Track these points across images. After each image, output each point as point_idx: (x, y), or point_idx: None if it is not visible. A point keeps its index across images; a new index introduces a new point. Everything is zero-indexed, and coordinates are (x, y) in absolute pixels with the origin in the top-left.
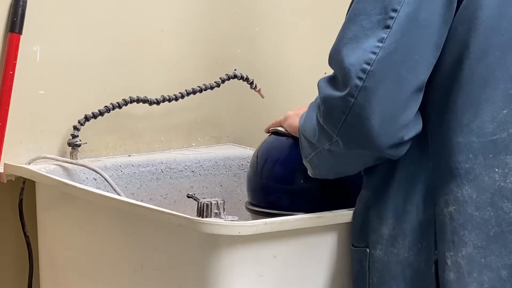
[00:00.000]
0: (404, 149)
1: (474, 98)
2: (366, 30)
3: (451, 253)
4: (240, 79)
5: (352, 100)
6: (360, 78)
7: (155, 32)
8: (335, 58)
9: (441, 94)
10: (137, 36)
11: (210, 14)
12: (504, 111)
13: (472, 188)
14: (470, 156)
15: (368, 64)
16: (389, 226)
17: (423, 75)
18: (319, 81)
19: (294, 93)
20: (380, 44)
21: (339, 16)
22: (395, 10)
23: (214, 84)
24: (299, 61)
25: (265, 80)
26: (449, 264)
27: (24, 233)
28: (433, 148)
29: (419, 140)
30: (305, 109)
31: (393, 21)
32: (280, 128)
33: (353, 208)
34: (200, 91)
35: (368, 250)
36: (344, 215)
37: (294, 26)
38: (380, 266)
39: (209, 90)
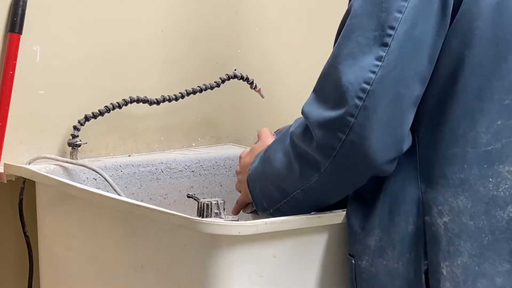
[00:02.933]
0: (394, 164)
1: (469, 109)
2: (362, 46)
3: (447, 263)
4: (240, 79)
5: (352, 119)
6: (359, 98)
7: (155, 32)
8: (330, 75)
9: (433, 105)
10: (137, 36)
11: (210, 14)
12: (499, 122)
13: (467, 198)
14: (465, 166)
15: (368, 83)
16: (375, 237)
17: (419, 90)
18: (303, 108)
19: (293, 93)
20: (379, 63)
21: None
22: (392, 28)
23: (214, 84)
24: (299, 61)
25: (265, 80)
26: (445, 274)
27: (24, 233)
28: (423, 159)
29: (408, 152)
30: (246, 168)
31: (391, 39)
32: (247, 210)
33: None
34: (200, 91)
35: (353, 261)
36: (344, 215)
37: (294, 26)
38: (368, 277)
39: (209, 90)
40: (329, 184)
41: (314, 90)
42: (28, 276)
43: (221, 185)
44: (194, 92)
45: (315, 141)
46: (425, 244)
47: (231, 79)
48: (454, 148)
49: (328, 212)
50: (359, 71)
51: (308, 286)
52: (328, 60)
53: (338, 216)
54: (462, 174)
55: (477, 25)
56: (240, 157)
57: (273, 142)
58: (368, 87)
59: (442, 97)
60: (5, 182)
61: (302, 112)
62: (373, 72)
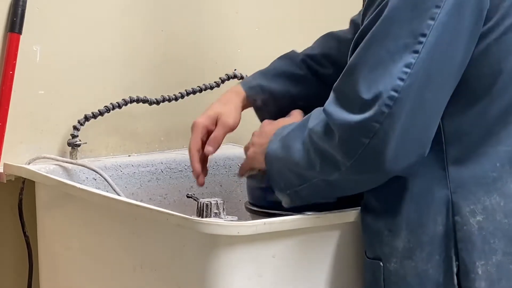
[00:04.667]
0: (416, 167)
1: (504, 110)
2: (393, 54)
3: (482, 262)
4: (240, 79)
5: (378, 125)
6: (387, 106)
7: (155, 32)
8: (356, 79)
9: (464, 105)
10: (137, 36)
11: (210, 14)
12: None
13: (500, 196)
14: (497, 165)
15: (396, 91)
16: (403, 239)
17: (446, 96)
18: (325, 107)
19: None
20: (408, 70)
21: (339, 16)
22: (424, 35)
23: (214, 84)
24: None
25: None
26: (480, 273)
27: (24, 233)
28: (451, 158)
29: (432, 151)
30: (260, 139)
31: (421, 46)
32: (252, 172)
33: (353, 209)
34: (200, 91)
35: (381, 263)
36: (343, 215)
37: (294, 26)
38: (396, 279)
39: (209, 90)
40: (349, 181)
41: (336, 91)
42: (28, 276)
43: (221, 185)
44: (194, 92)
45: (337, 141)
46: (455, 244)
47: (231, 79)
48: (486, 147)
49: (327, 212)
50: (389, 79)
51: (308, 286)
52: (353, 62)
53: (337, 216)
54: (495, 172)
55: None
56: (263, 125)
57: (294, 128)
58: (396, 95)
59: (476, 98)
60: (5, 182)
61: (325, 111)
62: (402, 80)
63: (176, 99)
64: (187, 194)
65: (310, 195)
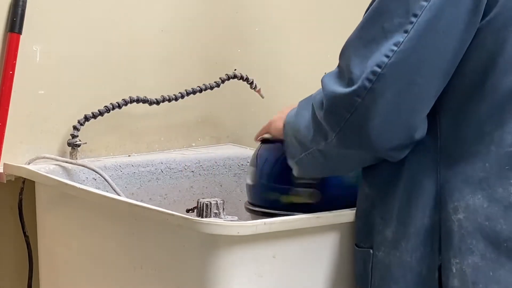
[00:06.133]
0: (405, 152)
1: (498, 108)
2: (386, 32)
3: (457, 260)
4: (240, 79)
5: (359, 100)
6: (369, 80)
7: (155, 32)
8: (350, 54)
9: (461, 101)
10: (137, 36)
11: (210, 14)
12: None
13: (484, 197)
14: (487, 165)
15: (380, 67)
16: (393, 229)
17: (438, 81)
18: (323, 77)
19: (293, 93)
20: (395, 48)
21: (339, 16)
22: (415, 15)
23: (214, 84)
24: (299, 61)
25: (265, 80)
26: (454, 271)
27: (24, 233)
28: (444, 152)
29: (427, 144)
30: (289, 110)
31: (412, 26)
32: (267, 135)
33: (353, 209)
34: (200, 91)
35: (371, 251)
36: (343, 215)
37: (294, 26)
38: (382, 268)
39: (209, 90)
40: (336, 154)
41: (338, 65)
42: (28, 276)
43: (221, 185)
44: (194, 92)
45: (323, 112)
46: (440, 239)
47: (231, 79)
48: (478, 145)
49: (327, 212)
50: (377, 55)
51: (308, 286)
52: (350, 38)
53: (337, 217)
54: (482, 172)
55: None
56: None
57: (309, 97)
58: (379, 70)
59: (471, 93)
60: (5, 182)
61: (321, 81)
62: (387, 57)
63: (176, 99)
64: (187, 209)
65: (311, 165)
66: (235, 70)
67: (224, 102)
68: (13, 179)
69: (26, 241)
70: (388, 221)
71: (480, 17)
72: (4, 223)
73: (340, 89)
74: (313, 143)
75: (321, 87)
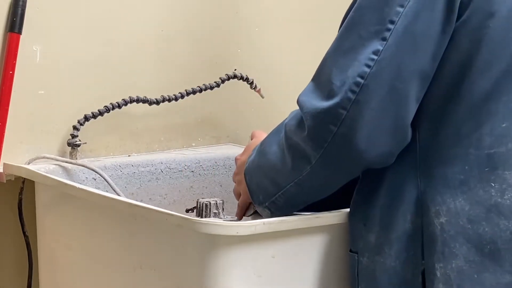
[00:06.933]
0: (392, 159)
1: (475, 109)
2: (364, 40)
3: (441, 265)
4: (240, 79)
5: (344, 112)
6: (353, 92)
7: (155, 32)
8: (329, 66)
9: (437, 103)
10: (137, 36)
11: (210, 14)
12: (504, 125)
13: (466, 200)
14: (466, 167)
15: (362, 77)
16: (375, 234)
17: (419, 86)
18: (299, 97)
19: (294, 93)
20: (375, 57)
21: (339, 16)
22: (392, 22)
23: (214, 84)
24: (299, 61)
25: (265, 80)
26: (438, 275)
27: (24, 233)
28: (423, 157)
29: (408, 149)
30: (240, 175)
31: (390, 33)
32: (251, 211)
33: None
34: (200, 91)
35: (357, 256)
36: (343, 215)
37: (294, 26)
38: (367, 274)
39: (209, 90)
40: (321, 176)
41: (313, 80)
42: (28, 276)
43: (220, 185)
44: (194, 92)
45: (306, 132)
46: (422, 244)
47: (231, 79)
48: (457, 148)
49: (326, 212)
50: (357, 65)
51: (307, 286)
52: (328, 50)
53: (337, 216)
54: (462, 175)
55: (489, 24)
56: (236, 159)
57: (269, 134)
58: (362, 81)
59: (448, 95)
60: (5, 182)
61: (298, 101)
62: (369, 66)
63: (176, 99)
64: (186, 209)
65: (287, 204)
66: (235, 70)
67: (224, 102)
68: (13, 179)
69: (26, 241)
70: (370, 227)
71: (455, 19)
72: (4, 223)
73: (322, 103)
74: (293, 174)
75: (294, 111)
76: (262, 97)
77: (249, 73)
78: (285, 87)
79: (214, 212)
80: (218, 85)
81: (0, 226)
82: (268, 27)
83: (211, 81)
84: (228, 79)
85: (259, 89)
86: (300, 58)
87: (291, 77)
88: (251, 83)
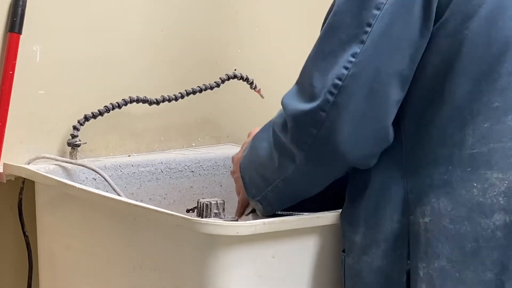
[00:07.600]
0: (375, 160)
1: (458, 110)
2: (343, 43)
3: (424, 264)
4: (240, 79)
5: (324, 114)
6: (331, 93)
7: (155, 32)
8: (310, 70)
9: (422, 105)
10: (137, 36)
11: (210, 14)
12: (486, 125)
13: (448, 200)
14: (450, 168)
15: (340, 79)
16: (361, 235)
17: (398, 88)
18: (283, 98)
19: None
20: (353, 59)
21: None
22: (369, 25)
23: (214, 84)
24: (299, 61)
25: (265, 80)
26: (421, 275)
27: (24, 233)
28: (409, 157)
29: (393, 150)
30: (237, 172)
31: (367, 35)
32: (249, 209)
33: None
34: (200, 91)
35: (343, 256)
36: None
37: (294, 26)
38: (353, 274)
39: (209, 90)
40: (306, 175)
41: (296, 82)
42: (28, 276)
43: (221, 185)
44: (194, 92)
45: (290, 134)
46: (408, 244)
47: (231, 79)
48: (441, 148)
49: (326, 212)
50: (336, 67)
51: (307, 287)
52: (310, 54)
53: (337, 216)
54: (446, 175)
55: (468, 25)
56: (232, 158)
57: (261, 129)
58: (340, 83)
59: (431, 96)
60: (5, 182)
61: (282, 103)
62: (346, 68)
63: (176, 99)
64: (187, 209)
65: (276, 199)
66: (235, 70)
67: (224, 102)
68: (13, 179)
69: (26, 241)
70: (355, 227)
71: (433, 21)
72: (4, 223)
73: (303, 105)
74: (280, 172)
75: (281, 108)
76: (262, 97)
77: (249, 73)
78: (285, 87)
79: (215, 212)
80: (218, 85)
81: (0, 226)
82: (268, 27)
83: (211, 81)
84: (228, 79)
85: (259, 89)
86: (300, 58)
87: (291, 77)
88: (251, 83)
